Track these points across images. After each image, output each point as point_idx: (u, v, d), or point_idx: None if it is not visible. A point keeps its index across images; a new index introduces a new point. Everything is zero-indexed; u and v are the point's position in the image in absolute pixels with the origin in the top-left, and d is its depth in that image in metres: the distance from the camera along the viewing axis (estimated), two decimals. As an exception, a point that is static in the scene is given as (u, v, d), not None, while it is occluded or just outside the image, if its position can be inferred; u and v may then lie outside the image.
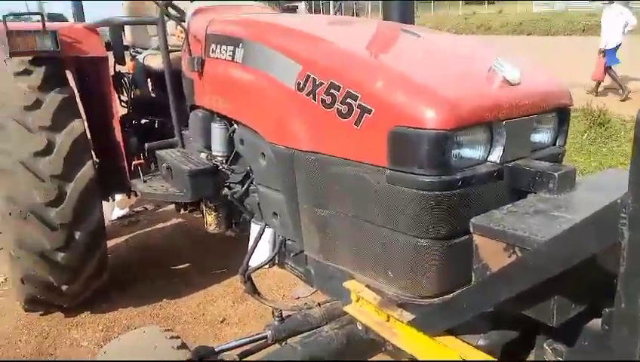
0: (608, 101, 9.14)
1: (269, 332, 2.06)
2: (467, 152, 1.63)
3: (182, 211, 3.48)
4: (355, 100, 1.70)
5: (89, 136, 3.44)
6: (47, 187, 2.96)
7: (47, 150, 3.00)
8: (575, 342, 1.40)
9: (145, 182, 3.31)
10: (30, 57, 3.11)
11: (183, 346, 1.71)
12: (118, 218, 5.24)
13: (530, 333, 1.51)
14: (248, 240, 2.55)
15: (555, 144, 1.90)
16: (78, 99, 3.46)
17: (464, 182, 1.58)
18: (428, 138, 1.52)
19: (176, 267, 4.24)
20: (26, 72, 3.10)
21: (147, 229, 5.05)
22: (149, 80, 3.82)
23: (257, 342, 2.05)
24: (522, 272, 1.20)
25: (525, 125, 1.70)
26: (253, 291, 2.47)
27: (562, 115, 1.87)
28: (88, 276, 3.27)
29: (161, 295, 3.76)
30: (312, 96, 1.87)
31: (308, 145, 1.94)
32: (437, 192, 1.56)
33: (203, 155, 2.89)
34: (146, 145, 3.10)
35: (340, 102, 1.75)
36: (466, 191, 1.60)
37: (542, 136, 1.86)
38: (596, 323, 1.34)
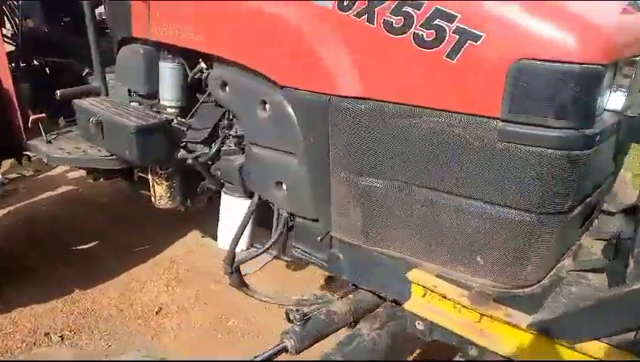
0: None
1: (290, 341, 1.55)
2: (602, 97, 1.24)
3: (101, 180, 2.71)
4: (451, 22, 1.20)
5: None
6: None
7: None
8: None
9: (49, 142, 2.48)
10: None
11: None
12: (-12, 189, 4.15)
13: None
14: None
15: None
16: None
17: (602, 138, 1.20)
18: (576, 75, 1.10)
19: (81, 246, 3.41)
20: None
21: (31, 200, 4.05)
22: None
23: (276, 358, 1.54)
24: None
25: None
26: (241, 284, 1.91)
27: None
28: None
29: (70, 285, 2.97)
30: (365, 17, 1.33)
31: (355, 88, 1.41)
32: (576, 152, 1.16)
33: (140, 107, 2.20)
34: (58, 92, 2.27)
35: (422, 25, 1.24)
36: (599, 149, 1.23)
37: None
38: None
